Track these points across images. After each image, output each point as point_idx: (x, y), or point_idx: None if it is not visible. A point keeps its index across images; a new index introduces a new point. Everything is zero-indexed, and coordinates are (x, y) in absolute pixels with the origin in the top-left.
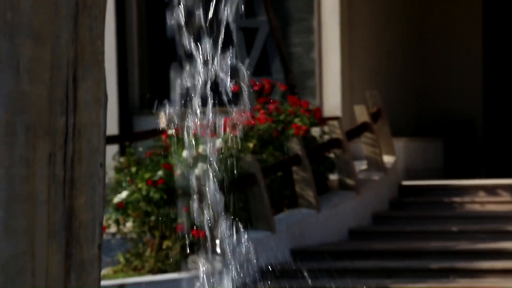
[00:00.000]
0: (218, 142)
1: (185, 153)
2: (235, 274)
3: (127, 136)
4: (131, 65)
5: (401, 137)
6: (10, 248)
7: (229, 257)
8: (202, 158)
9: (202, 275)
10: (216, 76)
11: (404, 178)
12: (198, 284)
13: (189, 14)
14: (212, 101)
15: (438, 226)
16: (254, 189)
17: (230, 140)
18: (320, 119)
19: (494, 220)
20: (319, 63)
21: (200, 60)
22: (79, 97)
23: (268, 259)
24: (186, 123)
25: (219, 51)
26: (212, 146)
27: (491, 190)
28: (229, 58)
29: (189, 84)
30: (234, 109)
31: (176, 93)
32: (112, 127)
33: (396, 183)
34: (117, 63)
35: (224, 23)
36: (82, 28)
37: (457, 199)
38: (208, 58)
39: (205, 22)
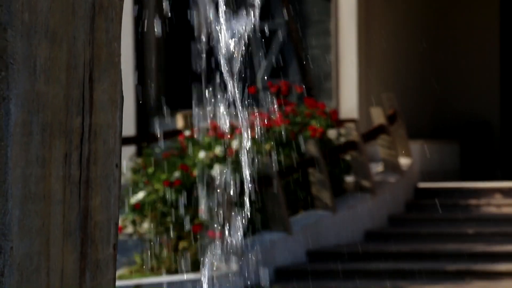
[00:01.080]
0: (235, 144)
1: (201, 155)
2: (251, 275)
3: (144, 137)
4: (149, 67)
5: (418, 139)
6: (25, 248)
7: (245, 258)
8: (219, 159)
9: (217, 276)
10: (234, 77)
11: (420, 180)
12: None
13: (207, 16)
14: (229, 102)
15: (454, 228)
16: (270, 191)
17: (246, 141)
18: (336, 121)
19: (511, 223)
20: (336, 65)
21: (218, 63)
22: (95, 98)
23: (284, 260)
24: (203, 125)
25: (238, 53)
26: (228, 148)
27: (507, 193)
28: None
29: (206, 86)
30: (252, 111)
31: (194, 94)
32: (129, 128)
33: (412, 185)
34: (135, 64)
35: (242, 26)
36: (98, 30)
37: (473, 202)
38: (226, 60)
39: (224, 24)
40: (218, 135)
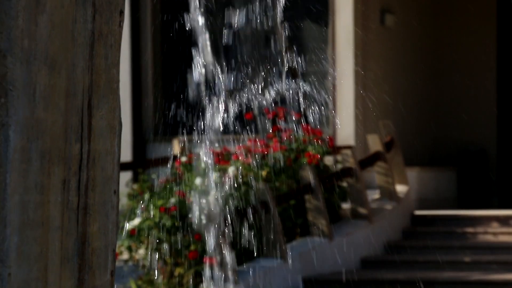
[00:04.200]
0: (231, 170)
1: (198, 181)
2: None
3: (140, 163)
4: (146, 93)
5: (414, 167)
6: (24, 274)
7: (241, 284)
8: (215, 185)
9: None
10: (231, 104)
11: (417, 207)
12: None
13: (205, 43)
14: (226, 129)
15: (451, 256)
16: (266, 217)
17: (243, 168)
18: (333, 148)
19: (507, 251)
20: (333, 92)
21: (215, 89)
22: (93, 125)
23: (280, 287)
24: (199, 151)
25: (235, 81)
26: (225, 174)
27: (504, 221)
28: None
29: (203, 112)
30: (248, 137)
31: (190, 120)
32: (126, 154)
33: (408, 213)
34: (132, 90)
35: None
36: (97, 57)
37: (470, 230)
38: (223, 87)
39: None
40: (214, 161)
